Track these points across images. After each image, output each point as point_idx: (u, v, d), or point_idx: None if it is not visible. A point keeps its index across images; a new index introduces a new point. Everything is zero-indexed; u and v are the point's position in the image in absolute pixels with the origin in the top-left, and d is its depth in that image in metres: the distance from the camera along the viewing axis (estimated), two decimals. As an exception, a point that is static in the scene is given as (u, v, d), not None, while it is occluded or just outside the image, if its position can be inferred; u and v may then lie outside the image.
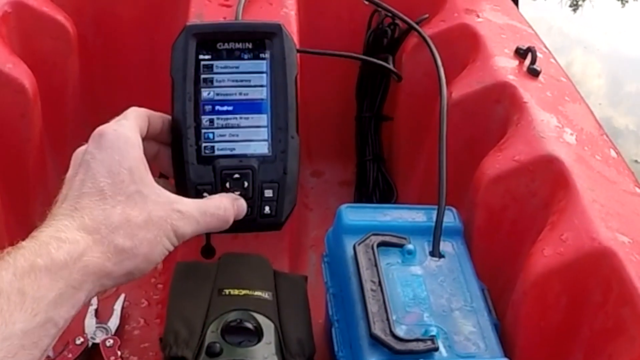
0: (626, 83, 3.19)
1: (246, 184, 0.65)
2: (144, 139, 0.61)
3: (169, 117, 0.66)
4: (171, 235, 0.57)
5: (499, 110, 0.89)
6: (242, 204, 0.65)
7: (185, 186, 0.65)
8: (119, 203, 0.55)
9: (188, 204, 0.60)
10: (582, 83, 3.04)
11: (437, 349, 0.64)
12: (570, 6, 3.86)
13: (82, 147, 0.58)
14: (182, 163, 0.65)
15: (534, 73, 0.92)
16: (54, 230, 0.52)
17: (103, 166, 0.56)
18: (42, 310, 0.48)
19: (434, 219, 0.76)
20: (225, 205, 0.63)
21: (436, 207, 0.77)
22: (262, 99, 0.68)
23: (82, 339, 0.82)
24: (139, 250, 0.55)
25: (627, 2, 3.94)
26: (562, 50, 3.26)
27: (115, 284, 0.55)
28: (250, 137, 0.67)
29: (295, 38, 0.94)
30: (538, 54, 0.93)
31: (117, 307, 0.88)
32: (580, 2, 3.89)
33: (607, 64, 3.31)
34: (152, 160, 0.62)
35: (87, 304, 0.86)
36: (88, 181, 0.55)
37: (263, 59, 0.68)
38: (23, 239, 0.51)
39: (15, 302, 0.47)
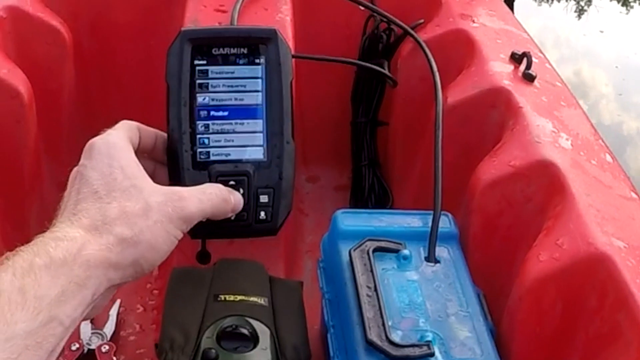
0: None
1: (241, 189, 0.65)
2: (137, 152, 0.61)
3: (164, 134, 0.66)
4: (175, 218, 0.56)
5: (495, 115, 0.89)
6: (238, 195, 0.64)
7: None
8: (114, 199, 0.55)
9: (186, 188, 0.60)
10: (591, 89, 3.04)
11: (432, 355, 0.64)
12: (575, 11, 3.86)
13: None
14: (177, 169, 0.65)
15: (529, 78, 0.92)
16: (51, 233, 0.52)
17: (95, 171, 0.56)
18: (44, 308, 0.47)
19: (430, 224, 0.76)
20: (222, 189, 0.63)
21: (432, 212, 0.77)
22: (257, 105, 0.68)
23: (77, 345, 0.82)
24: (141, 238, 0.54)
25: (632, 7, 3.94)
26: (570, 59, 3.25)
27: (123, 277, 0.54)
28: (245, 143, 0.67)
29: (291, 43, 0.94)
30: (533, 59, 0.94)
31: (113, 312, 0.88)
32: (585, 8, 3.89)
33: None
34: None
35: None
36: (83, 188, 0.55)
37: (258, 64, 0.68)
38: (19, 244, 0.51)
39: (17, 302, 0.46)
